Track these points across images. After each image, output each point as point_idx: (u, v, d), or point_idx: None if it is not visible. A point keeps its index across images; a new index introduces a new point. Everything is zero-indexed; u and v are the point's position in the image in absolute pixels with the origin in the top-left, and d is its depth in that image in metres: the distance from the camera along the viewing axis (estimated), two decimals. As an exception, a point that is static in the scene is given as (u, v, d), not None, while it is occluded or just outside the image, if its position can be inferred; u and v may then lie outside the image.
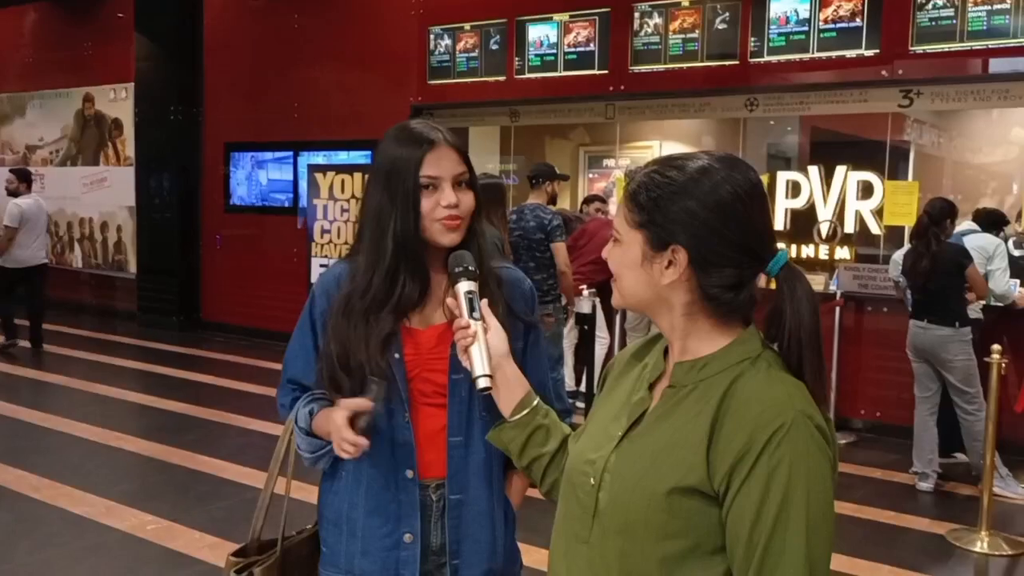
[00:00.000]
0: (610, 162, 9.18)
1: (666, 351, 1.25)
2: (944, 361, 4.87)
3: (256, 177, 9.29)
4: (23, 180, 8.37)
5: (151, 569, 3.80)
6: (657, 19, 6.72)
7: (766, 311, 1.19)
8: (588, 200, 7.47)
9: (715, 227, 1.14)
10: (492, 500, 1.62)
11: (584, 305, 6.10)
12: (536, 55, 7.31)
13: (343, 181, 7.96)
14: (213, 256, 9.68)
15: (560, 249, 5.42)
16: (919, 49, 5.74)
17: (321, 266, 7.89)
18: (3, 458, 5.10)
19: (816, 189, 6.37)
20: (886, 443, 5.80)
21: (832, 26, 6.02)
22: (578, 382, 6.55)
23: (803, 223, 6.45)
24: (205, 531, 4.11)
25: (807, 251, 6.49)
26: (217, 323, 9.55)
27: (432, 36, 7.87)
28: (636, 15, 6.81)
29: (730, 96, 6.68)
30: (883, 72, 5.87)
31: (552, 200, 5.78)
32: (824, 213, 6.36)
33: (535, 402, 1.46)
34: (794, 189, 6.46)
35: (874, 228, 6.24)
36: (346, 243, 7.68)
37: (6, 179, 8.49)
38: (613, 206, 7.45)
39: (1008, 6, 5.42)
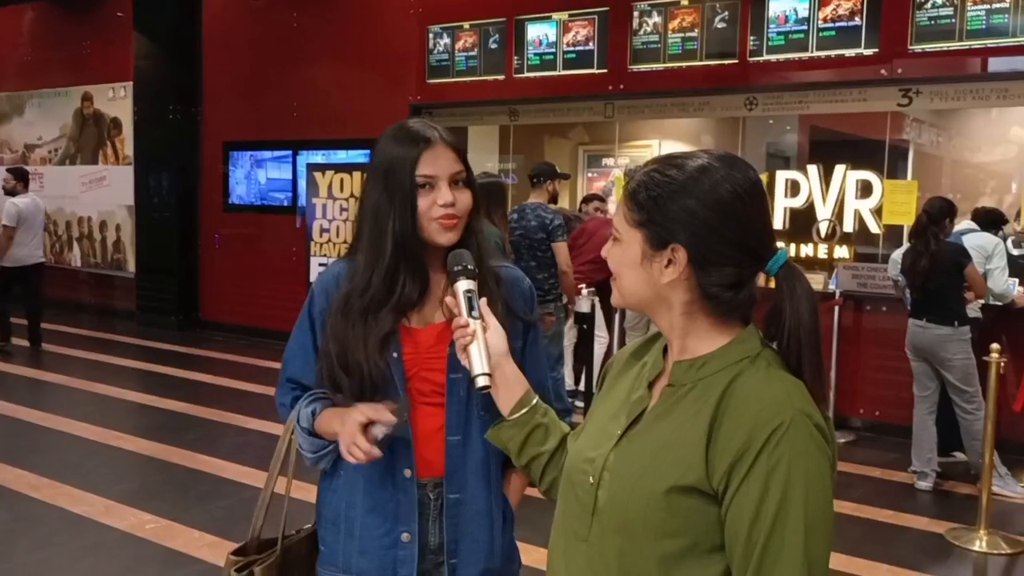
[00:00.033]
0: (609, 161, 9.18)
1: (665, 350, 1.25)
2: (943, 360, 4.87)
3: (255, 176, 9.28)
4: (20, 179, 8.37)
5: (150, 568, 3.80)
6: (656, 18, 6.72)
7: (766, 310, 1.19)
8: (587, 199, 7.47)
9: (715, 226, 1.14)
10: (490, 499, 1.62)
11: (583, 304, 6.11)
12: (535, 54, 7.31)
13: (342, 180, 7.97)
14: (212, 255, 9.68)
15: (562, 249, 5.42)
16: (918, 48, 5.74)
17: (320, 265, 7.89)
18: (2, 457, 5.10)
19: (815, 188, 6.38)
20: (885, 442, 5.81)
21: (831, 25, 6.02)
22: (577, 381, 6.55)
23: (802, 222, 6.46)
24: (204, 530, 4.11)
25: (806, 250, 6.50)
26: (216, 322, 9.55)
27: (431, 35, 7.87)
28: (635, 14, 6.81)
29: (729, 95, 6.68)
30: (882, 71, 5.88)
31: (553, 199, 5.79)
32: (823, 212, 6.37)
33: (534, 401, 1.46)
34: (793, 188, 6.47)
35: (873, 227, 6.24)
36: (345, 242, 7.68)
37: (3, 178, 8.49)
38: (612, 205, 7.45)
39: (1007, 5, 5.42)
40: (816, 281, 6.14)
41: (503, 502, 1.65)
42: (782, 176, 6.59)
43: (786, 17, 6.18)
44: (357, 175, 7.82)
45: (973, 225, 5.41)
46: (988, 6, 5.49)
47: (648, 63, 6.78)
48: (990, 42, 5.51)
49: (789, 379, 1.14)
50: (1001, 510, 4.54)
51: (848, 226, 6.31)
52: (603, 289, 6.19)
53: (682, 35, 6.61)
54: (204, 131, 9.66)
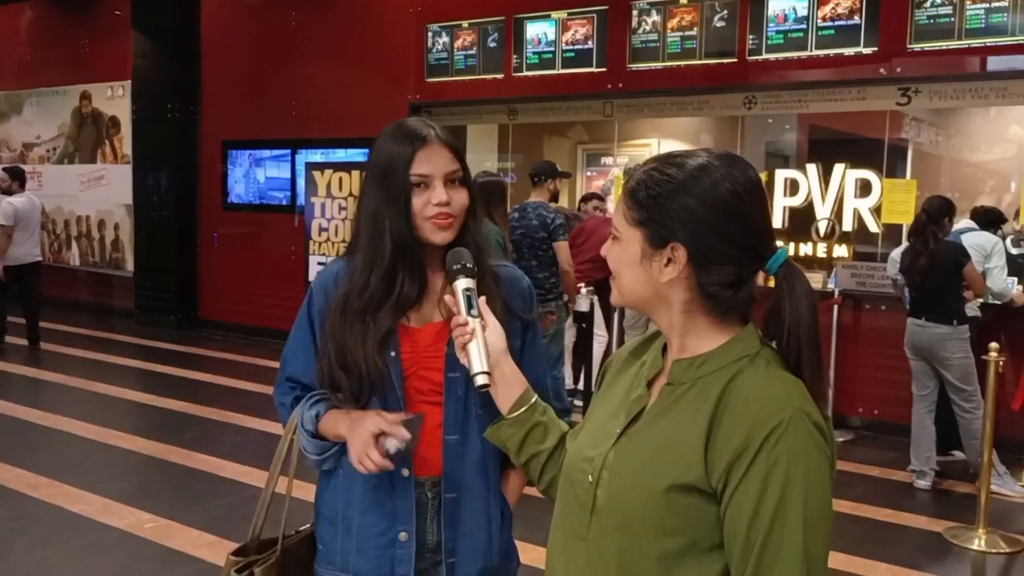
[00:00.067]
0: (608, 160, 9.18)
1: (664, 348, 1.25)
2: (942, 359, 4.87)
3: (254, 175, 9.28)
4: (16, 178, 8.38)
5: (149, 567, 3.80)
6: (655, 17, 6.71)
7: (765, 309, 1.19)
8: (586, 198, 7.47)
9: (714, 225, 1.14)
10: (488, 498, 1.62)
11: (582, 303, 6.11)
12: (534, 53, 7.31)
13: (341, 179, 7.97)
14: (211, 254, 9.67)
15: (563, 248, 5.42)
16: (917, 47, 5.74)
17: (319, 264, 7.89)
18: (1, 456, 5.09)
19: (814, 187, 6.38)
20: (884, 441, 5.81)
21: (830, 24, 6.02)
22: (576, 380, 6.55)
23: (801, 221, 6.46)
24: (203, 529, 4.10)
25: (805, 249, 6.49)
26: (215, 321, 9.55)
27: (430, 34, 7.86)
28: (634, 13, 6.81)
29: (728, 94, 6.68)
30: (881, 70, 5.88)
31: (554, 198, 5.79)
32: (822, 211, 6.37)
33: (533, 399, 1.46)
34: (792, 187, 6.47)
35: (872, 226, 6.24)
36: (344, 241, 7.68)
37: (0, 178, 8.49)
38: (611, 204, 7.45)
39: (1006, 4, 5.42)
40: (815, 280, 6.14)
41: (501, 501, 1.65)
42: (781, 175, 6.58)
43: (785, 16, 6.18)
44: (356, 174, 7.82)
45: (972, 224, 5.41)
46: (987, 5, 5.49)
47: (647, 62, 6.77)
48: (989, 41, 5.51)
49: (788, 378, 1.14)
50: (1000, 509, 4.54)
51: (847, 225, 6.31)
52: (602, 288, 6.19)
53: (681, 34, 6.61)
54: (203, 130, 9.65)
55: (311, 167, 8.29)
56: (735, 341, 1.17)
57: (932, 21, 5.66)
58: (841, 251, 6.39)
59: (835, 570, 3.72)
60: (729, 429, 1.10)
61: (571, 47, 7.13)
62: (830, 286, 6.18)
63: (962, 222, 5.42)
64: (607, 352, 6.59)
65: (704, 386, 1.15)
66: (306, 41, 8.66)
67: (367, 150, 7.83)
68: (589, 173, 9.54)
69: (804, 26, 6.12)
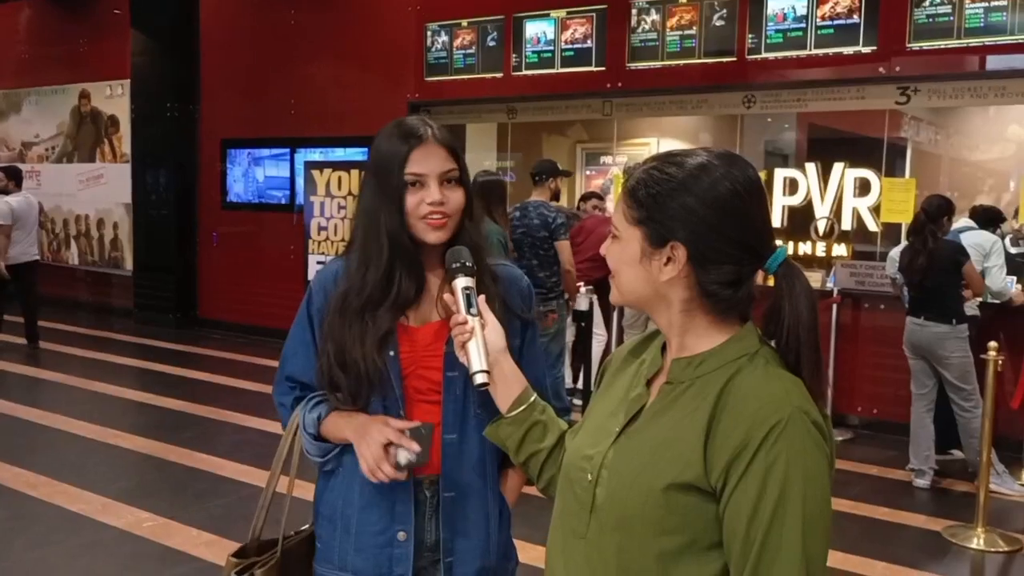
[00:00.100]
0: (607, 159, 9.18)
1: (664, 347, 1.25)
2: (941, 358, 4.88)
3: (253, 174, 9.27)
4: (12, 178, 8.37)
5: (148, 566, 3.80)
6: (654, 16, 6.71)
7: (765, 308, 1.19)
8: (585, 197, 7.47)
9: (714, 224, 1.14)
10: (487, 497, 1.62)
11: (581, 302, 6.10)
12: (533, 52, 7.31)
13: (340, 178, 7.96)
14: (210, 253, 9.66)
15: (564, 247, 5.42)
16: (916, 46, 5.74)
17: (318, 263, 7.89)
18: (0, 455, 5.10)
19: (813, 186, 6.38)
20: (883, 440, 5.81)
21: (829, 23, 6.02)
22: (575, 379, 6.55)
23: (800, 220, 6.46)
24: (202, 528, 4.10)
25: (804, 248, 6.49)
26: (214, 320, 9.54)
27: (429, 32, 7.86)
28: (633, 11, 6.81)
29: (727, 93, 6.68)
30: (880, 69, 5.88)
31: (555, 196, 5.80)
32: (821, 210, 6.37)
33: (532, 398, 1.46)
34: (791, 186, 6.47)
35: (871, 225, 6.24)
36: (343, 240, 7.68)
37: None
38: (610, 203, 7.45)
39: (1005, 3, 5.42)
40: (814, 279, 6.14)
41: (500, 500, 1.65)
42: (780, 174, 6.58)
43: (784, 15, 6.18)
44: (355, 173, 7.81)
45: (971, 223, 5.41)
46: (986, 4, 5.49)
47: (646, 61, 6.77)
48: (988, 40, 5.51)
49: (787, 377, 1.14)
50: (998, 508, 4.55)
51: (846, 224, 6.31)
52: (601, 287, 6.19)
53: (680, 33, 6.61)
54: (202, 129, 9.64)
55: (310, 166, 8.29)
56: (734, 340, 1.17)
57: (931, 20, 5.66)
58: (840, 250, 6.39)
59: (834, 569, 3.72)
60: (728, 428, 1.10)
61: (570, 46, 7.13)
62: (829, 285, 6.18)
63: (961, 221, 5.42)
64: (606, 351, 6.59)
65: (703, 385, 1.15)
66: (305, 40, 8.66)
67: (366, 149, 7.83)
68: (588, 172, 9.54)
69: (803, 25, 6.12)
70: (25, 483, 4.68)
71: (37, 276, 8.53)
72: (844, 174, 6.28)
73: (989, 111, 7.62)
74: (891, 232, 6.25)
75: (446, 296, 1.52)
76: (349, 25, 8.40)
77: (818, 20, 6.06)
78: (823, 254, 6.45)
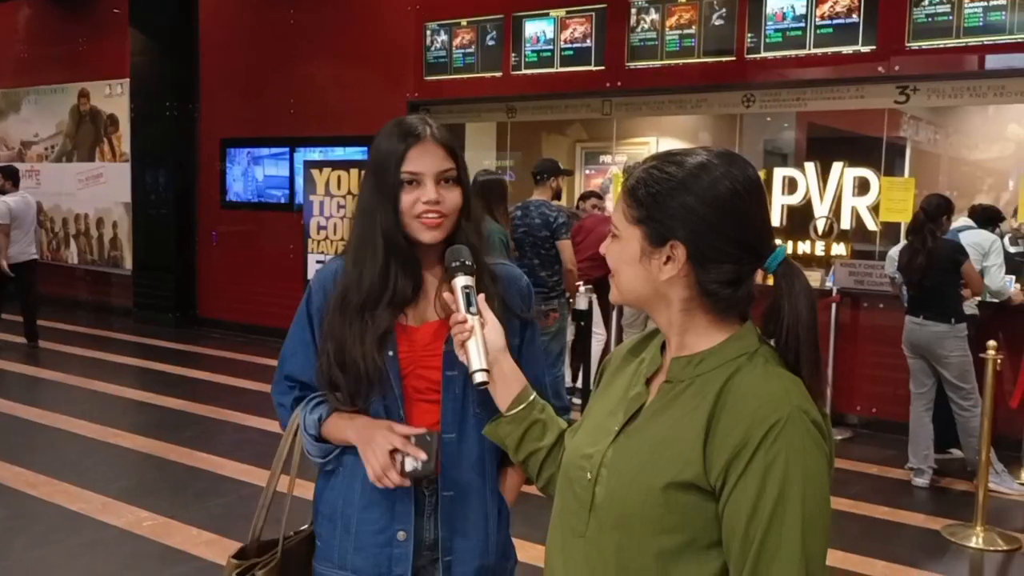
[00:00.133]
0: (607, 158, 9.18)
1: (663, 346, 1.26)
2: (940, 357, 4.88)
3: (252, 173, 9.27)
4: (9, 178, 8.37)
5: (148, 565, 3.80)
6: (654, 15, 6.71)
7: (764, 307, 1.19)
8: (584, 196, 7.47)
9: (713, 223, 1.14)
10: (486, 496, 1.62)
11: (581, 301, 6.11)
12: (532, 51, 7.31)
13: (339, 177, 7.96)
14: (209, 252, 9.66)
15: (566, 247, 5.43)
16: (915, 45, 5.74)
17: (318, 262, 7.88)
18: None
19: (812, 185, 6.38)
20: (882, 439, 5.82)
21: (829, 22, 6.02)
22: (574, 378, 6.56)
23: (799, 219, 6.46)
24: (202, 527, 4.10)
25: (803, 247, 6.50)
26: (213, 319, 9.54)
27: (428, 32, 7.86)
28: (633, 11, 6.81)
29: (727, 92, 6.68)
30: (879, 68, 5.88)
31: (557, 195, 5.81)
32: (820, 209, 6.37)
33: (531, 397, 1.46)
34: (790, 185, 6.47)
35: (870, 224, 6.25)
36: (342, 239, 7.67)
37: None
38: (610, 202, 7.46)
39: (1004, 3, 5.43)
40: (813, 278, 6.14)
41: (498, 499, 1.65)
42: (779, 173, 6.59)
43: (784, 14, 6.18)
44: (354, 172, 7.81)
45: (970, 222, 5.42)
46: (985, 3, 5.49)
47: (646, 60, 6.77)
48: (987, 39, 5.51)
49: (787, 376, 1.14)
50: (997, 506, 4.55)
51: (845, 223, 6.31)
52: (601, 286, 6.19)
53: (680, 32, 6.61)
54: (201, 128, 9.64)
55: (309, 165, 8.28)
56: (734, 339, 1.18)
57: (930, 19, 5.66)
58: (839, 249, 6.39)
59: (833, 568, 3.73)
60: (727, 426, 1.10)
61: (570, 45, 7.13)
62: (828, 284, 6.18)
63: (960, 220, 5.43)
64: (605, 350, 6.59)
65: (703, 384, 1.16)
66: (304, 39, 8.66)
67: (365, 148, 7.84)
68: (588, 171, 9.54)
69: (803, 24, 6.12)
70: (25, 482, 4.68)
71: (36, 275, 8.53)
72: (843, 173, 6.28)
73: (988, 110, 7.63)
74: (890, 231, 6.26)
75: (445, 295, 1.53)
76: (348, 24, 8.40)
77: (817, 19, 6.06)
78: (822, 253, 6.45)
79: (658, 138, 8.84)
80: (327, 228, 8.07)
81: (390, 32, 8.09)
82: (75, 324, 9.67)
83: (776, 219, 6.41)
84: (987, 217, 5.50)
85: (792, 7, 6.15)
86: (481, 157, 8.35)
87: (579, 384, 6.44)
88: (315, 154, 8.58)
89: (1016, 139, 7.88)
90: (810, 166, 6.43)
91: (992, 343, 4.24)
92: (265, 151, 9.12)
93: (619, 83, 6.92)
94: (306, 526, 1.69)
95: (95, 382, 7.04)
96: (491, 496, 1.63)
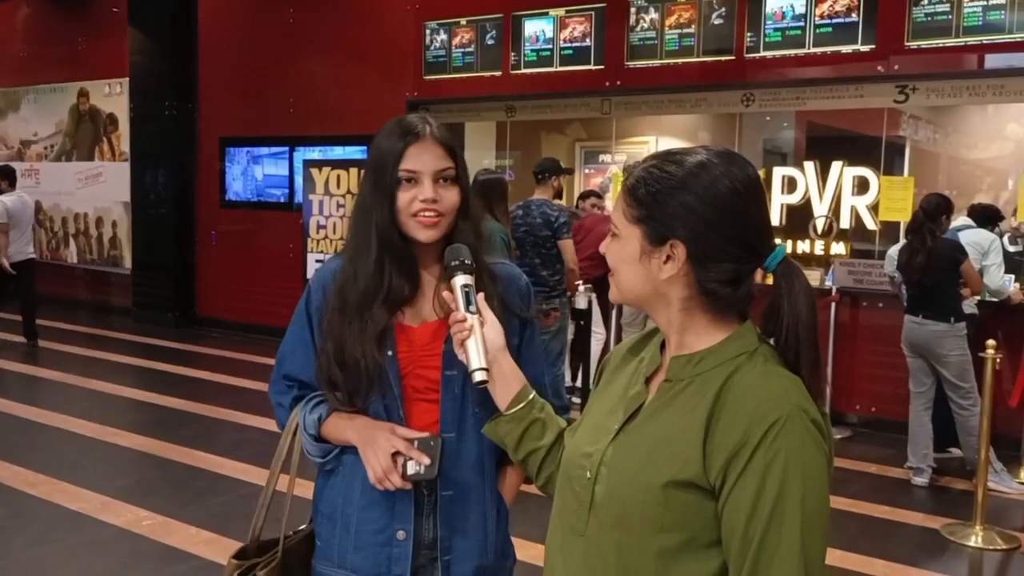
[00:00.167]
0: (606, 157, 9.18)
1: (662, 345, 1.26)
2: (939, 356, 4.88)
3: (252, 172, 9.27)
4: (6, 177, 8.36)
5: (147, 565, 3.80)
6: (653, 14, 6.71)
7: (764, 306, 1.19)
8: (584, 196, 7.48)
9: (713, 222, 1.14)
10: (485, 496, 1.62)
11: (580, 301, 6.11)
12: (532, 50, 7.31)
13: (339, 176, 7.96)
14: (209, 252, 9.66)
15: (568, 246, 5.43)
16: (915, 44, 5.74)
17: (317, 261, 7.88)
18: (-2, 454, 5.10)
19: (812, 184, 6.38)
20: (881, 438, 5.82)
21: (828, 21, 6.02)
22: (574, 378, 6.56)
23: (799, 218, 6.46)
24: (201, 527, 4.10)
25: (803, 246, 6.50)
26: (213, 319, 9.54)
27: (428, 31, 7.86)
28: (632, 10, 6.81)
29: (726, 91, 6.68)
30: (879, 67, 5.88)
31: (558, 194, 5.81)
32: (820, 208, 6.37)
33: (531, 395, 1.46)
34: (790, 184, 6.47)
35: (870, 223, 6.25)
36: (341, 238, 7.67)
37: None
38: (609, 201, 7.46)
39: (1003, 2, 5.43)
40: (812, 277, 6.15)
41: (497, 498, 1.65)
42: (779, 172, 6.59)
43: (783, 13, 6.19)
44: (354, 171, 7.81)
45: (969, 221, 5.42)
46: (984, 3, 5.49)
47: (645, 59, 6.77)
48: (986, 38, 5.52)
49: (786, 375, 1.14)
50: (996, 506, 4.55)
51: (844, 222, 6.31)
52: (600, 285, 6.19)
53: (679, 31, 6.61)
54: (200, 127, 9.64)
55: (309, 164, 8.28)
56: (733, 338, 1.18)
57: (930, 19, 5.67)
58: (839, 248, 6.40)
59: (832, 567, 3.73)
60: (727, 425, 1.10)
61: (569, 44, 7.13)
62: (827, 283, 6.18)
63: (959, 219, 5.43)
64: (605, 349, 6.60)
65: (702, 383, 1.16)
66: (304, 38, 8.66)
67: (365, 147, 7.83)
68: (587, 170, 9.54)
69: (802, 24, 6.12)
70: (24, 481, 4.68)
71: (35, 275, 8.54)
72: (843, 172, 6.28)
73: (987, 109, 7.64)
74: (889, 230, 6.26)
75: (444, 294, 1.52)
76: (348, 23, 8.40)
77: (817, 19, 6.06)
78: (821, 253, 6.46)
79: (657, 137, 8.85)
80: (326, 227, 8.07)
81: (390, 31, 8.09)
82: (74, 323, 9.67)
83: (775, 218, 6.41)
84: (986, 216, 5.50)
85: (791, 6, 6.15)
86: (480, 156, 8.35)
87: (578, 383, 6.44)
88: (314, 153, 8.58)
89: (1015, 138, 7.89)
90: (809, 165, 6.43)
91: (991, 342, 4.24)
92: (264, 150, 9.12)
93: (618, 82, 6.93)
94: (305, 525, 1.69)
95: (94, 381, 7.04)
96: (490, 495, 1.63)
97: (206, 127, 9.57)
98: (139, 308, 9.91)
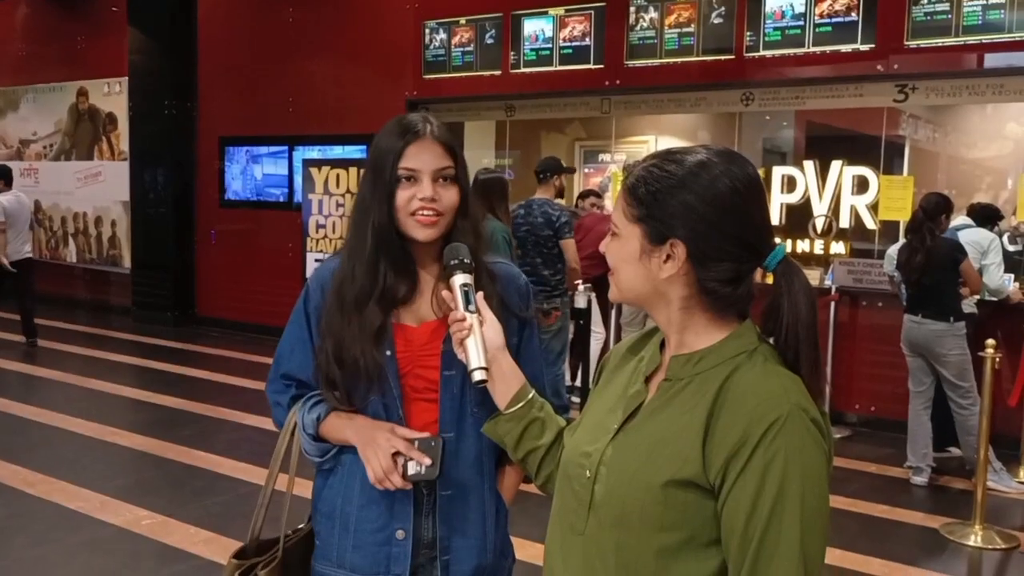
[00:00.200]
0: (606, 157, 9.18)
1: (662, 344, 1.25)
2: (938, 356, 4.88)
3: (251, 172, 9.27)
4: (2, 177, 8.35)
5: (146, 564, 3.80)
6: (653, 13, 6.71)
7: (764, 305, 1.19)
8: (583, 195, 7.47)
9: (713, 221, 1.14)
10: (484, 495, 1.62)
11: (580, 300, 6.11)
12: (531, 49, 7.30)
13: (338, 175, 7.96)
14: (208, 251, 9.66)
15: (570, 246, 5.43)
16: (914, 44, 5.74)
17: (316, 261, 7.88)
18: (-3, 453, 5.10)
19: (811, 184, 6.39)
20: (880, 437, 5.82)
21: (827, 21, 6.02)
22: (573, 377, 6.56)
23: (798, 218, 6.47)
24: (200, 526, 4.10)
25: (802, 246, 6.51)
26: (212, 318, 9.54)
27: (427, 30, 7.85)
28: (631, 9, 6.81)
29: (726, 91, 6.68)
30: (878, 67, 5.88)
31: (559, 194, 5.81)
32: (819, 208, 6.37)
33: (530, 395, 1.46)
34: (789, 184, 6.47)
35: (869, 223, 6.25)
36: (341, 238, 7.67)
37: None
38: (608, 201, 7.46)
39: (1003, 1, 5.43)
40: (812, 277, 6.15)
41: (497, 498, 1.65)
42: (778, 172, 6.59)
43: (783, 13, 6.18)
44: (353, 171, 7.81)
45: (969, 221, 5.42)
46: (984, 2, 5.49)
47: (644, 59, 6.77)
48: (986, 38, 5.52)
49: (786, 374, 1.14)
50: (996, 505, 4.55)
51: (844, 222, 6.32)
52: (600, 284, 6.19)
53: (678, 31, 6.61)
54: (200, 126, 9.63)
55: (308, 164, 8.28)
56: (733, 337, 1.18)
57: (929, 18, 5.67)
58: (838, 248, 6.40)
59: (831, 566, 3.73)
60: (727, 424, 1.10)
61: (568, 44, 7.13)
62: (827, 283, 6.19)
63: (959, 219, 5.43)
64: (604, 349, 6.60)
65: (702, 382, 1.16)
66: (303, 37, 8.65)
67: (364, 147, 7.83)
68: (587, 170, 9.54)
69: (801, 23, 6.12)
70: (23, 481, 4.68)
71: (33, 274, 8.53)
72: (842, 172, 6.29)
73: (987, 109, 7.64)
74: (889, 230, 6.26)
75: (444, 293, 1.52)
76: (347, 23, 8.39)
77: (816, 18, 6.06)
78: (821, 252, 6.46)
79: (657, 136, 8.85)
80: (326, 227, 8.07)
81: (389, 30, 8.09)
82: (73, 323, 9.67)
83: (775, 218, 6.41)
84: (986, 215, 5.50)
85: (791, 5, 6.15)
86: (480, 155, 8.35)
87: (578, 383, 6.44)
88: (314, 152, 8.58)
89: (1015, 137, 7.89)
90: (809, 164, 6.44)
91: (991, 341, 4.25)
92: (264, 149, 9.11)
93: (618, 81, 6.92)
94: (304, 524, 1.69)
95: (93, 380, 7.04)
96: (489, 495, 1.63)
97: (205, 126, 9.57)
98: (138, 307, 9.91)
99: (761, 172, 6.11)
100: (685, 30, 6.58)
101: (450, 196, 1.56)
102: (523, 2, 7.32)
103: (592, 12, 6.99)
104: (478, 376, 1.43)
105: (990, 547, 4.17)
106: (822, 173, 6.36)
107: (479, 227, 1.65)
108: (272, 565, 1.61)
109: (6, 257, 8.05)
